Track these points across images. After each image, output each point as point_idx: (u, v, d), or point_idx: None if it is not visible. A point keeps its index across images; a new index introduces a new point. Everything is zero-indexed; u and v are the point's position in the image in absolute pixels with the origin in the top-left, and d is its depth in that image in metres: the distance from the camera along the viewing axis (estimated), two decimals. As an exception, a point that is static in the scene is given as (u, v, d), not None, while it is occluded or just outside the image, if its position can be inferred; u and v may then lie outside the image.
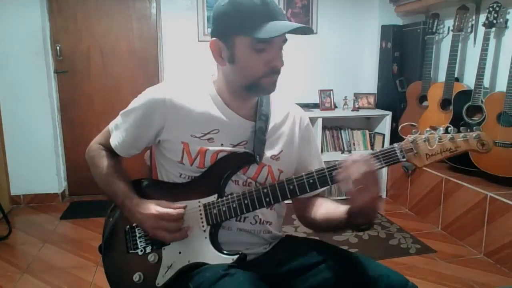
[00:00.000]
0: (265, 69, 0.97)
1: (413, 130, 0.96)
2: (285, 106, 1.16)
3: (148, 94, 1.05)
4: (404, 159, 0.95)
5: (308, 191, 0.98)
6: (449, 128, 0.94)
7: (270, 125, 1.09)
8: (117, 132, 1.10)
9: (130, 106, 1.08)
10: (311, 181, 0.97)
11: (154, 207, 1.01)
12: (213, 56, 1.02)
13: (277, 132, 1.11)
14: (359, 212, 0.94)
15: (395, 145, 0.96)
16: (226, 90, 1.05)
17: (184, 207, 1.02)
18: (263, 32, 0.91)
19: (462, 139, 0.93)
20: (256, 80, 0.99)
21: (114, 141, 1.11)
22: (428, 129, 0.96)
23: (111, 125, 1.13)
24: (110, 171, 1.10)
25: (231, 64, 1.00)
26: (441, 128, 0.95)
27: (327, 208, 1.10)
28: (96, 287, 2.08)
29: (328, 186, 0.97)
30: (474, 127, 0.96)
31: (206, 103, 1.05)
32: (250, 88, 1.01)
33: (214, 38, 1.00)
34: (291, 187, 0.99)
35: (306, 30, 0.94)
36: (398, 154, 0.95)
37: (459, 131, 0.94)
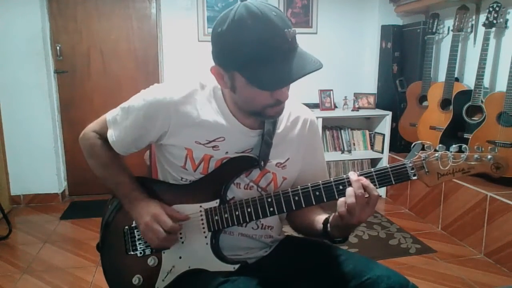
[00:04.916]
0: (269, 102, 0.92)
1: (426, 146, 0.91)
2: (296, 109, 1.11)
3: (153, 94, 1.00)
4: (415, 178, 0.91)
5: (314, 203, 0.95)
6: (463, 147, 0.89)
7: (280, 129, 1.06)
8: (115, 127, 1.06)
9: (132, 102, 1.03)
10: (317, 193, 0.94)
11: (157, 207, 0.99)
12: (216, 79, 0.97)
13: (286, 137, 1.07)
14: (340, 227, 0.94)
15: (406, 161, 0.91)
16: (232, 101, 1.01)
17: (187, 219, 1.00)
18: (265, 81, 0.85)
19: (476, 161, 0.88)
20: (259, 110, 0.95)
21: (111, 137, 1.06)
22: (440, 145, 0.90)
23: (109, 117, 1.08)
24: (111, 162, 1.08)
25: (233, 92, 0.95)
26: (454, 146, 0.90)
27: (309, 213, 1.08)
28: (96, 287, 2.08)
29: (334, 200, 0.93)
30: (490, 149, 0.90)
31: (212, 110, 1.01)
32: (254, 114, 0.97)
33: (214, 66, 0.94)
34: (296, 198, 0.95)
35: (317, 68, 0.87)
36: (409, 172, 0.91)
37: (472, 150, 0.89)
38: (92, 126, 1.12)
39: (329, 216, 0.99)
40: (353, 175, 0.90)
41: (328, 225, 0.98)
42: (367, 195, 0.89)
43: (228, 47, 0.87)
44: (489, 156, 0.88)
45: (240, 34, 0.84)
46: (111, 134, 1.07)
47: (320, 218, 1.02)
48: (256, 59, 0.85)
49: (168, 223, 0.97)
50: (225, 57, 0.90)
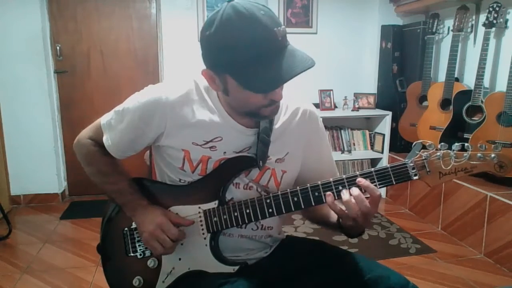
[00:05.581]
0: (263, 102, 0.91)
1: (427, 144, 0.89)
2: (293, 101, 1.08)
3: (147, 95, 0.98)
4: (416, 177, 0.89)
5: (313, 204, 0.93)
6: (466, 145, 0.87)
7: (277, 125, 1.04)
8: (111, 132, 1.03)
9: (126, 104, 1.01)
10: (316, 194, 0.92)
11: (160, 215, 0.98)
12: (208, 83, 0.95)
13: (285, 131, 1.05)
14: (351, 227, 0.93)
15: (407, 161, 0.90)
16: (226, 102, 0.99)
17: (191, 223, 0.99)
18: (257, 84, 0.84)
19: (479, 160, 0.86)
20: (254, 111, 0.93)
21: (107, 142, 1.04)
22: (443, 143, 0.88)
23: (103, 121, 1.05)
24: (109, 170, 1.06)
25: (226, 95, 0.94)
26: (456, 144, 0.87)
27: (326, 209, 1.07)
28: (96, 287, 2.08)
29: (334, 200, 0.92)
30: (494, 147, 0.88)
31: (208, 110, 0.99)
32: (249, 115, 0.96)
33: (205, 69, 0.91)
34: (295, 199, 0.94)
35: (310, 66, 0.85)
36: (410, 172, 0.89)
37: (475, 148, 0.87)
38: (86, 132, 1.10)
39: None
40: (355, 190, 0.89)
41: (341, 224, 0.98)
42: (368, 195, 0.88)
43: (217, 50, 0.85)
44: (492, 155, 0.86)
45: (228, 37, 0.83)
46: (106, 139, 1.05)
47: (332, 212, 1.01)
48: (246, 62, 0.83)
49: (175, 232, 0.97)
50: (215, 60, 0.88)
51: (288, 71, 0.83)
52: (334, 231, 1.04)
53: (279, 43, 0.84)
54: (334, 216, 1.01)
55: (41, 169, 3.26)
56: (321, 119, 1.17)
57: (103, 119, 1.06)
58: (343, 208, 0.90)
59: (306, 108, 1.09)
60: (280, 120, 1.05)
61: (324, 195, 0.92)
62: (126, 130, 1.01)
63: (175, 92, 0.99)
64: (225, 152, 1.00)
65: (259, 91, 0.87)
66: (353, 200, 0.88)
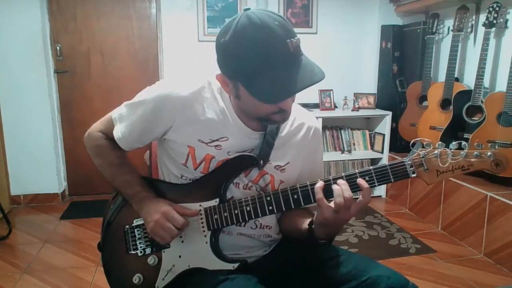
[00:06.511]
0: (273, 110, 0.92)
1: (425, 143, 0.91)
2: (301, 115, 1.11)
3: (160, 89, 1.00)
4: (414, 175, 0.91)
5: (313, 202, 0.95)
6: (462, 143, 0.89)
7: (283, 133, 1.06)
8: (121, 124, 1.06)
9: (138, 98, 1.03)
10: None
11: (166, 205, 1.00)
12: (221, 86, 0.98)
13: (289, 142, 1.07)
14: (324, 225, 0.94)
15: (405, 159, 0.92)
16: (236, 105, 1.01)
17: (196, 214, 1.01)
18: (265, 94, 0.86)
19: (475, 158, 0.88)
20: (264, 117, 0.95)
21: (117, 134, 1.06)
22: (440, 142, 0.90)
23: (114, 115, 1.07)
24: (119, 162, 1.09)
25: (238, 99, 0.96)
26: (454, 143, 0.89)
27: (295, 215, 1.08)
28: (96, 287, 2.08)
29: (333, 198, 0.92)
30: (490, 146, 0.90)
31: (219, 109, 1.01)
32: (259, 120, 0.98)
33: (219, 74, 0.94)
34: (295, 196, 0.96)
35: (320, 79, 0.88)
36: (408, 169, 0.91)
37: (472, 147, 0.88)
38: (97, 126, 1.12)
39: (314, 217, 0.99)
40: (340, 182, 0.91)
41: (313, 225, 0.98)
42: (358, 196, 0.89)
43: (230, 58, 0.89)
44: (489, 153, 0.88)
45: (240, 46, 0.85)
46: (117, 131, 1.06)
47: (306, 220, 1.03)
48: (256, 71, 0.85)
49: (180, 220, 0.98)
50: (228, 67, 0.91)
51: (296, 84, 0.85)
52: (302, 238, 1.04)
53: (291, 55, 0.86)
54: (305, 223, 1.02)
55: (41, 169, 3.26)
56: (321, 133, 1.18)
57: (114, 113, 1.08)
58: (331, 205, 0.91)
59: (311, 126, 1.12)
60: (286, 129, 1.07)
61: (323, 192, 0.92)
62: (136, 123, 1.03)
63: (187, 88, 1.00)
64: (229, 152, 1.02)
65: (266, 101, 0.89)
66: (342, 186, 0.90)
